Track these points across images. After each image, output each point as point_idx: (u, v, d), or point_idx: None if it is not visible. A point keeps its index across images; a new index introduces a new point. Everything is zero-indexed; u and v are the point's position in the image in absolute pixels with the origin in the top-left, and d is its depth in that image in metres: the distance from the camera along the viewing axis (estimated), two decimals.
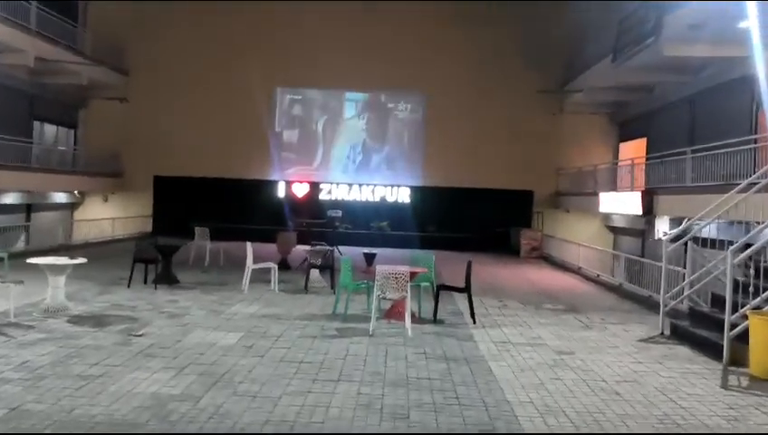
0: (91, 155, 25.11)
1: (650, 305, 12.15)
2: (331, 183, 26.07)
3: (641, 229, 21.17)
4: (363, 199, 25.86)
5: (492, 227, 24.35)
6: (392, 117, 27.01)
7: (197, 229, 16.97)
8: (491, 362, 7.67)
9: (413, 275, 9.74)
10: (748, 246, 8.39)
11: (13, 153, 19.63)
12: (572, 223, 24.96)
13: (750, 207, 9.35)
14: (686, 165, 15.39)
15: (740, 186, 9.86)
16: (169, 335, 8.40)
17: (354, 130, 27.01)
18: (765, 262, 8.25)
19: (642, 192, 17.28)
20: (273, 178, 26.02)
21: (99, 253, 18.13)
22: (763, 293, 7.88)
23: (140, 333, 8.44)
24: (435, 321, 9.94)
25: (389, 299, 9.45)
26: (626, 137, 25.12)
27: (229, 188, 25.00)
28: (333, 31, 25.05)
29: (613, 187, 21.17)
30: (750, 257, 8.25)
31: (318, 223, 20.77)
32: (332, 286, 12.39)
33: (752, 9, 12.90)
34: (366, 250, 16.80)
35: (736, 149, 13.11)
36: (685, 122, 19.15)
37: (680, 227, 10.84)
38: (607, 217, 23.87)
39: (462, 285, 10.24)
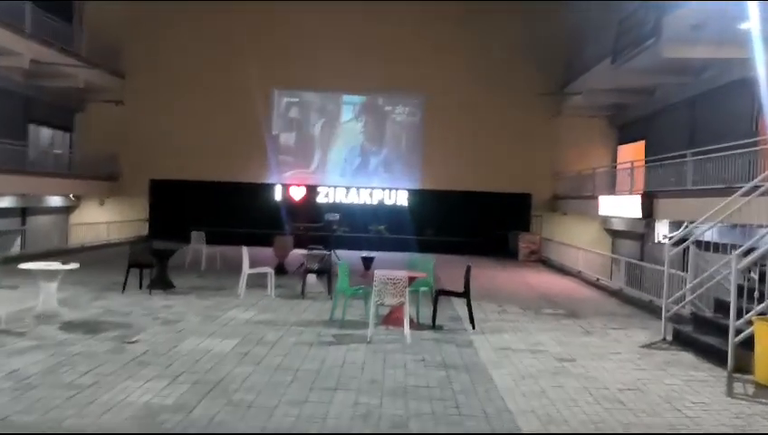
0: (88, 157, 24.93)
1: (651, 310, 12.03)
2: (329, 186, 25.91)
3: (641, 233, 21.05)
4: (361, 203, 25.69)
5: (490, 230, 24.22)
6: (390, 120, 26.90)
7: (193, 233, 16.84)
8: (491, 370, 7.52)
9: (411, 279, 9.60)
10: (751, 250, 8.26)
11: (8, 156, 19.47)
12: (571, 226, 24.85)
13: (753, 210, 9.23)
14: (686, 168, 15.27)
15: (743, 189, 9.73)
16: (163, 342, 8.24)
17: (352, 133, 26.87)
18: None
19: (642, 195, 17.13)
20: (270, 181, 25.85)
21: (94, 257, 17.96)
22: None
23: (134, 340, 8.27)
24: (434, 327, 9.79)
25: (388, 305, 9.29)
26: (624, 139, 25.02)
27: (226, 192, 24.83)
28: (331, 32, 24.90)
29: (612, 190, 21.06)
30: (755, 263, 8.11)
31: (315, 226, 20.62)
32: (330, 292, 12.22)
33: (752, 10, 12.78)
34: (364, 254, 16.74)
35: (737, 151, 12.98)
36: (684, 125, 19.04)
37: (681, 231, 10.72)
38: (605, 220, 23.75)
39: (460, 289, 10.10)
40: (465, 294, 10.01)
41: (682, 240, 10.50)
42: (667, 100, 20.38)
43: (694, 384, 7.20)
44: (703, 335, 8.81)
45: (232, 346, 8.16)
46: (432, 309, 10.03)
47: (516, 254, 23.01)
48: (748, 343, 7.45)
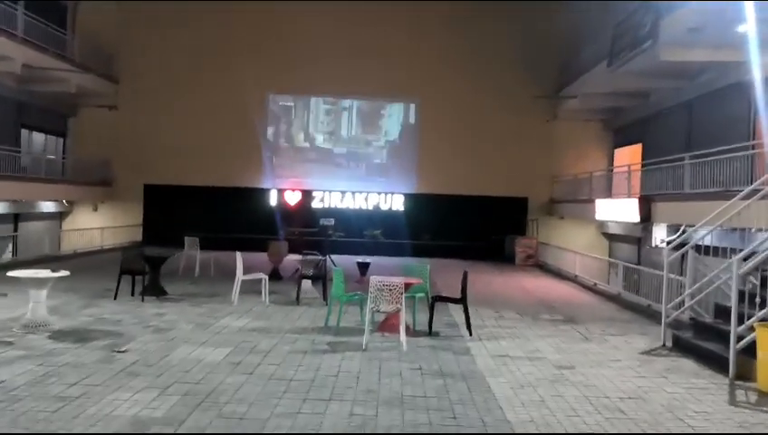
0: (81, 162, 24.72)
1: (650, 315, 11.91)
2: (324, 191, 25.75)
3: (638, 237, 20.94)
4: (356, 207, 25.54)
5: (486, 234, 24.10)
6: (385, 124, 26.76)
7: (187, 239, 16.64)
8: (489, 378, 7.37)
9: (407, 286, 9.45)
10: (751, 254, 8.14)
11: (0, 162, 19.26)
12: (567, 230, 24.74)
13: (753, 214, 9.11)
14: (683, 171, 15.17)
15: (742, 193, 9.61)
16: (154, 351, 8.07)
17: (347, 137, 26.73)
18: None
19: (639, 199, 17.03)
20: (264, 186, 25.67)
21: (87, 263, 17.77)
22: None
23: (124, 349, 8.09)
24: (430, 333, 9.64)
25: (383, 312, 9.14)
26: (621, 143, 24.92)
27: (220, 197, 24.68)
28: (325, 37, 24.75)
29: (609, 193, 20.96)
30: (756, 268, 7.99)
31: (310, 231, 20.45)
32: (325, 298, 12.06)
33: (750, 12, 12.69)
34: (359, 259, 16.58)
35: (734, 155, 12.89)
36: (681, 128, 18.95)
37: (680, 235, 10.60)
38: (602, 224, 23.65)
39: (457, 294, 9.95)
40: (462, 300, 9.86)
41: (681, 245, 10.38)
42: (663, 103, 20.30)
43: (695, 392, 7.07)
44: (703, 341, 8.68)
45: (224, 355, 7.99)
46: (428, 315, 9.89)
47: (513, 258, 22.89)
48: (750, 350, 7.32)
